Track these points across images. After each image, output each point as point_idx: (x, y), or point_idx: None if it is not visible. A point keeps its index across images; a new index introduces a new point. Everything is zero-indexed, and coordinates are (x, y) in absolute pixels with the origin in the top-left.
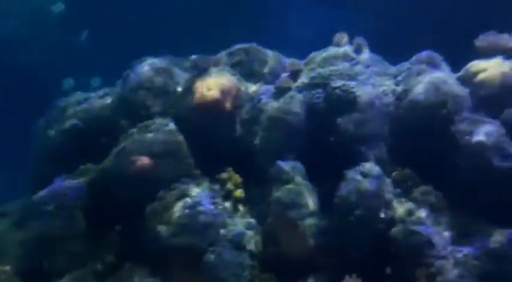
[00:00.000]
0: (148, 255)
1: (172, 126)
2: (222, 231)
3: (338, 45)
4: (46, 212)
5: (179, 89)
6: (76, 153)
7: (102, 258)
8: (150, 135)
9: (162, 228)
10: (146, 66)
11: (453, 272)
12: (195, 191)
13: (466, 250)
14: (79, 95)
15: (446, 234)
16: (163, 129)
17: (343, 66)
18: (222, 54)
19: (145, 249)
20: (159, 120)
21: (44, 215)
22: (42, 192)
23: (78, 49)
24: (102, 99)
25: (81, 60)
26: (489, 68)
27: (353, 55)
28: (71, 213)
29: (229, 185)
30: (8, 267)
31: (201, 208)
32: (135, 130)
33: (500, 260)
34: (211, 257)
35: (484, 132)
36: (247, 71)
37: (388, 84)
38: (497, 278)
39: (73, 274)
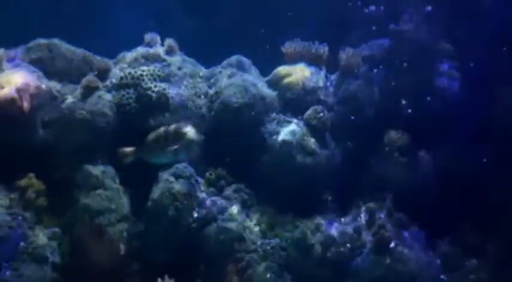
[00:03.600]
0: None
1: None
2: (21, 244)
3: (149, 45)
4: None
5: None
6: None
7: None
8: None
9: None
10: None
11: (262, 264)
12: None
13: (274, 242)
14: None
15: (257, 228)
16: None
17: (154, 66)
18: (19, 49)
19: None
20: None
21: None
22: None
23: None
24: None
25: None
26: (294, 73)
27: (165, 56)
28: None
29: (30, 193)
30: None
31: None
32: None
33: (304, 249)
34: (7, 273)
35: (289, 131)
36: (49, 68)
37: (201, 87)
38: (302, 266)
39: None
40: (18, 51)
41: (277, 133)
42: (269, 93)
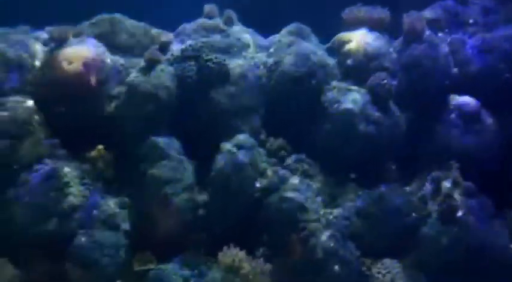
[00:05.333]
0: (9, 245)
1: (30, 103)
2: (94, 212)
3: (208, 17)
4: None
5: (37, 63)
6: None
7: None
8: (5, 114)
9: (26, 214)
10: None
11: (325, 234)
12: (61, 171)
13: (336, 212)
14: None
15: (319, 198)
16: (22, 107)
17: (214, 38)
18: (84, 25)
19: (6, 238)
20: (15, 98)
21: None
22: None
23: None
24: None
25: None
26: (355, 39)
27: (224, 27)
28: None
29: (100, 164)
30: None
31: (69, 189)
32: None
33: (367, 218)
34: (82, 239)
35: (351, 99)
36: (113, 42)
37: (259, 57)
38: (365, 235)
39: None
40: (84, 27)
41: (339, 102)
42: (329, 61)
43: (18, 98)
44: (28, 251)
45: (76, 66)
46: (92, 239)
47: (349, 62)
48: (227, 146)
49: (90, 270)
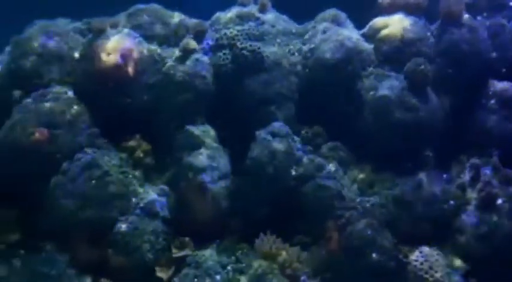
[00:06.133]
0: (53, 232)
1: (71, 94)
2: (133, 199)
3: (243, 4)
4: None
5: (76, 54)
6: None
7: (4, 239)
8: (47, 104)
9: (68, 202)
10: (37, 30)
11: (362, 221)
12: (101, 160)
13: (373, 200)
14: None
15: (355, 186)
16: (62, 97)
17: (249, 26)
18: (121, 16)
19: (51, 225)
20: (56, 89)
21: None
22: None
23: None
24: None
25: None
26: (391, 24)
27: (258, 15)
28: None
29: (138, 153)
30: None
31: (109, 178)
32: (29, 100)
33: (404, 206)
34: (122, 226)
35: (388, 86)
36: (149, 32)
37: (294, 44)
38: (403, 223)
39: None
40: (121, 18)
41: (375, 88)
42: (366, 46)
43: (58, 89)
44: (73, 237)
45: (114, 57)
46: (132, 226)
47: (385, 47)
48: (262, 134)
49: (131, 256)
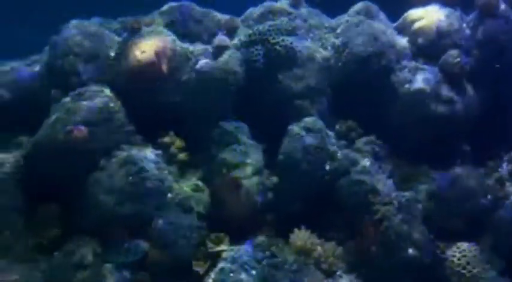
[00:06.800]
0: (94, 227)
1: (107, 92)
2: (169, 195)
3: (275, 0)
4: None
5: (111, 53)
6: (6, 127)
7: (45, 233)
8: (84, 103)
9: (106, 198)
10: (74, 30)
11: (398, 217)
12: (138, 157)
13: (409, 194)
14: (2, 65)
15: (390, 181)
16: (99, 96)
17: (281, 21)
18: (155, 14)
19: (90, 220)
20: (93, 87)
21: None
22: None
23: None
24: (29, 67)
25: None
26: (425, 16)
27: (290, 10)
28: (8, 190)
29: (173, 149)
30: None
31: (145, 174)
32: (68, 99)
33: (441, 200)
34: (159, 221)
35: (423, 79)
36: (182, 30)
37: (327, 38)
38: (439, 218)
39: (16, 250)
40: (154, 16)
41: (410, 81)
42: (399, 39)
43: (95, 87)
44: (111, 232)
45: (148, 55)
46: (168, 221)
47: (420, 40)
48: (295, 129)
49: (168, 251)
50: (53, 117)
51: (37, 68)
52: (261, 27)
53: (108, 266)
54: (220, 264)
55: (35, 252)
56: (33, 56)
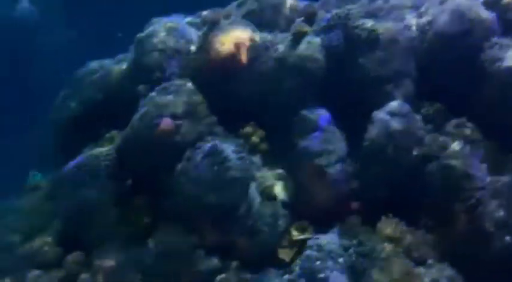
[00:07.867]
0: (181, 216)
1: (190, 86)
2: (252, 184)
3: None
4: (79, 182)
5: (193, 47)
6: (99, 122)
7: (137, 223)
8: (170, 97)
9: (192, 188)
10: (158, 27)
11: (493, 202)
12: (221, 147)
13: (504, 179)
14: (93, 64)
15: (484, 165)
16: (183, 89)
17: (360, 3)
18: (232, 6)
19: (178, 210)
20: (177, 81)
21: (77, 185)
22: (72, 163)
23: None
24: (117, 65)
25: None
26: None
27: None
28: (103, 182)
29: (254, 139)
30: (49, 238)
31: (229, 164)
32: (154, 93)
33: None
34: (243, 210)
35: None
36: (260, 20)
37: (410, 18)
38: None
39: (113, 240)
40: (232, 8)
41: (500, 59)
42: (488, 15)
43: (178, 81)
44: (198, 220)
45: (228, 47)
46: (252, 209)
47: (510, 15)
48: (380, 114)
49: (254, 239)
50: (141, 111)
51: (124, 66)
52: (340, 11)
53: (199, 252)
54: (306, 252)
55: (130, 241)
56: (120, 54)
